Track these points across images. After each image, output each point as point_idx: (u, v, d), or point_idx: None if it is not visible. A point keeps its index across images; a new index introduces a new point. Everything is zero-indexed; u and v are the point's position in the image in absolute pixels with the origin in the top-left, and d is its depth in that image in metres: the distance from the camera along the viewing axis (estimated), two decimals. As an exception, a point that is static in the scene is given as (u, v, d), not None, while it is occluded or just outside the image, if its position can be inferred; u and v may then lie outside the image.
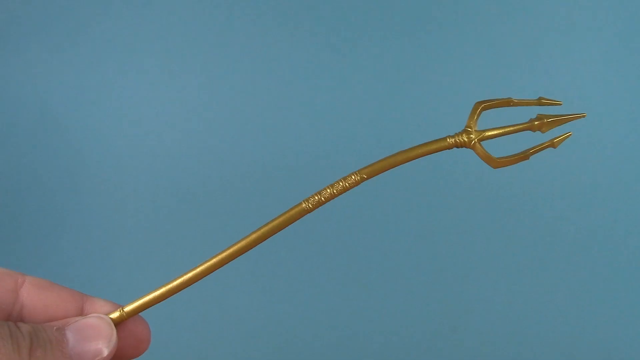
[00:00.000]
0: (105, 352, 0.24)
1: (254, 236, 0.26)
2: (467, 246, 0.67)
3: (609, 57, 0.65)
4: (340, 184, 0.27)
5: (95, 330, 0.24)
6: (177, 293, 0.26)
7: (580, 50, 0.65)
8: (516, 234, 0.67)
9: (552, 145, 0.28)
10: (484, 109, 0.28)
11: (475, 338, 0.66)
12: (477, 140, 0.28)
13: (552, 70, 0.65)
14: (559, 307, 0.66)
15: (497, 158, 0.28)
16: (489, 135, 0.28)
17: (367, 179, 0.27)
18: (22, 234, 0.70)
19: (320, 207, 0.27)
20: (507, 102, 0.29)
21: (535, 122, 0.28)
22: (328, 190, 0.27)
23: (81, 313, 0.26)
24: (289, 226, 0.27)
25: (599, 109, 0.64)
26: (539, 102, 0.29)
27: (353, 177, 0.27)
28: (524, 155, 0.28)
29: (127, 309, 0.26)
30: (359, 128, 0.66)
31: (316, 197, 0.27)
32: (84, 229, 0.69)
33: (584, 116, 0.28)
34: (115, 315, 0.26)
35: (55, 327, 0.24)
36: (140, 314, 0.27)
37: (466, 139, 0.28)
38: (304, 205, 0.27)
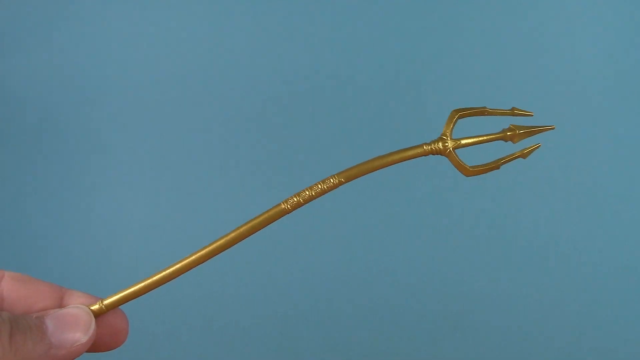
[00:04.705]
0: (84, 339, 0.25)
1: (232, 235, 0.27)
2: (468, 245, 0.67)
3: (608, 58, 0.66)
4: (319, 186, 0.28)
5: (74, 319, 0.25)
6: (156, 288, 0.27)
7: (578, 50, 0.66)
8: (516, 233, 0.67)
9: (522, 155, 0.29)
10: (460, 117, 0.29)
11: (475, 338, 0.66)
12: (452, 148, 0.29)
13: (549, 73, 0.66)
14: (559, 307, 0.66)
15: (470, 167, 0.29)
16: (464, 143, 0.29)
17: (345, 182, 0.28)
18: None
19: (298, 208, 0.28)
20: (482, 112, 0.30)
21: (508, 133, 0.29)
22: (307, 192, 0.28)
23: (60, 305, 0.26)
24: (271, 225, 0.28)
25: (598, 110, 0.66)
26: (512, 112, 0.30)
27: (331, 180, 0.28)
28: (495, 165, 0.29)
29: (107, 302, 0.26)
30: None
31: (295, 199, 0.28)
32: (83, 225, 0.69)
33: (553, 128, 0.30)
34: (94, 307, 0.26)
35: (34, 316, 0.24)
36: (119, 308, 0.27)
37: (441, 147, 0.29)
38: (282, 206, 0.28)
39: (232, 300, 0.68)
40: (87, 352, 0.27)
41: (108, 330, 0.27)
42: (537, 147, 0.29)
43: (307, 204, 0.28)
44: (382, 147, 0.29)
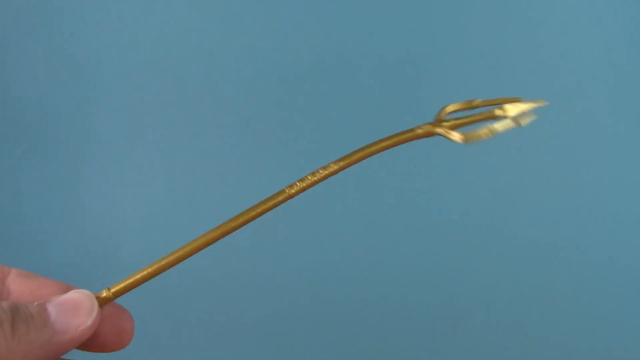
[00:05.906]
0: (88, 322, 0.24)
1: (240, 219, 0.28)
2: (468, 245, 0.66)
3: (611, 58, 0.67)
4: (320, 172, 0.29)
5: (76, 303, 0.25)
6: (163, 273, 0.27)
7: (582, 50, 0.67)
8: (517, 233, 0.66)
9: (518, 123, 0.30)
10: (449, 112, 0.31)
11: (475, 338, 0.63)
12: (445, 126, 0.30)
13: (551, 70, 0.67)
14: (559, 307, 0.64)
15: (464, 134, 0.29)
16: (457, 123, 0.30)
17: (345, 167, 0.29)
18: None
19: (301, 193, 0.29)
20: (469, 104, 0.32)
21: (498, 110, 0.30)
22: (309, 178, 0.29)
23: None
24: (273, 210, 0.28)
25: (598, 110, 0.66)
26: (500, 100, 0.31)
27: (332, 166, 0.29)
28: (489, 131, 0.29)
29: (114, 289, 0.26)
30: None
31: (298, 184, 0.29)
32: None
33: (545, 103, 0.31)
34: (102, 295, 0.26)
35: (36, 303, 0.24)
36: (125, 308, 0.27)
37: (433, 128, 0.30)
38: (287, 191, 0.29)
39: (233, 299, 0.66)
40: (91, 352, 0.26)
41: (113, 330, 0.26)
42: (534, 117, 0.30)
43: (309, 190, 0.29)
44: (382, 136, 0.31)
